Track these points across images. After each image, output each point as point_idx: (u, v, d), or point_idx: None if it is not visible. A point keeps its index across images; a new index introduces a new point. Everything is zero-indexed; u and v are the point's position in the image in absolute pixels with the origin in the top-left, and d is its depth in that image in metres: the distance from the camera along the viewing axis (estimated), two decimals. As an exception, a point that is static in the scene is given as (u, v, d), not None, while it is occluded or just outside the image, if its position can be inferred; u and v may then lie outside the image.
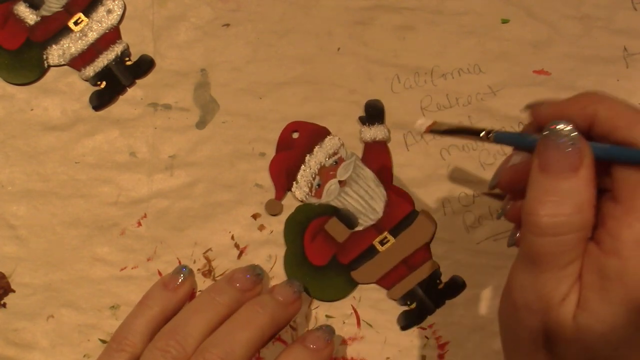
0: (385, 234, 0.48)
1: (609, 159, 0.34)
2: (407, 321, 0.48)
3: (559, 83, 0.48)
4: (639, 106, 0.34)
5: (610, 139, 0.34)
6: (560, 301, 0.33)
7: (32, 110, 0.48)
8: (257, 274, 0.45)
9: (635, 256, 0.31)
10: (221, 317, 0.43)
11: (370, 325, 0.48)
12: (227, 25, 0.48)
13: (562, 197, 0.33)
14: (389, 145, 0.48)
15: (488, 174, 0.48)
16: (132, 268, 0.48)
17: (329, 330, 0.45)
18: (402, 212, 0.48)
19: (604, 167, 0.34)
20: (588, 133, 0.35)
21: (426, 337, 0.48)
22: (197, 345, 0.42)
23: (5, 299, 0.47)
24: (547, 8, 0.49)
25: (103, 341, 0.47)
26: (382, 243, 0.48)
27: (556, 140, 0.33)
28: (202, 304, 0.44)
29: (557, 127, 0.34)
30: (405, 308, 0.48)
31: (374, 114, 0.48)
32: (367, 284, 0.48)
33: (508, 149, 0.48)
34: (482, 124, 0.48)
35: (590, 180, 0.33)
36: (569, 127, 0.34)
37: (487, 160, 0.48)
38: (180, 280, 0.46)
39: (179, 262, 0.48)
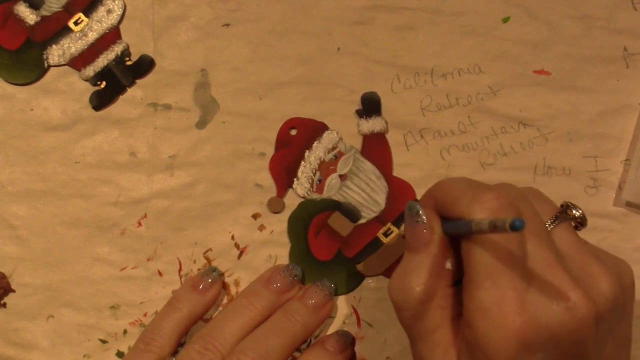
0: (389, 225, 0.48)
1: (455, 233, 0.35)
2: None
3: (559, 83, 0.48)
4: (471, 181, 0.36)
5: (451, 217, 0.35)
6: None
7: (32, 110, 0.48)
8: (294, 275, 0.46)
9: (481, 324, 0.33)
10: (256, 323, 0.44)
11: (370, 325, 0.48)
12: (227, 25, 0.48)
13: (408, 272, 0.35)
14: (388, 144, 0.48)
15: (488, 174, 0.48)
16: (132, 268, 0.48)
17: (347, 334, 0.46)
18: (404, 202, 0.48)
19: None
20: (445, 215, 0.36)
21: (426, 337, 0.48)
22: (231, 351, 0.43)
23: (5, 299, 0.47)
24: (547, 8, 0.49)
25: (103, 341, 0.47)
26: (386, 234, 0.48)
27: (410, 220, 0.36)
28: (239, 308, 0.44)
29: (409, 208, 0.36)
30: None
31: (370, 106, 0.48)
32: (373, 276, 0.48)
33: (507, 149, 0.48)
34: (482, 124, 0.48)
35: (438, 254, 0.35)
36: (419, 209, 0.36)
37: (487, 160, 0.48)
38: (209, 281, 0.46)
39: (179, 262, 0.48)
